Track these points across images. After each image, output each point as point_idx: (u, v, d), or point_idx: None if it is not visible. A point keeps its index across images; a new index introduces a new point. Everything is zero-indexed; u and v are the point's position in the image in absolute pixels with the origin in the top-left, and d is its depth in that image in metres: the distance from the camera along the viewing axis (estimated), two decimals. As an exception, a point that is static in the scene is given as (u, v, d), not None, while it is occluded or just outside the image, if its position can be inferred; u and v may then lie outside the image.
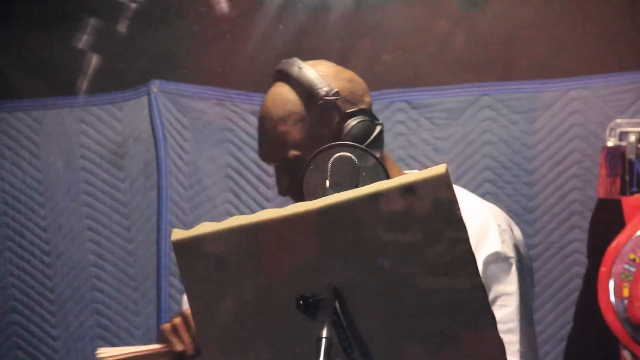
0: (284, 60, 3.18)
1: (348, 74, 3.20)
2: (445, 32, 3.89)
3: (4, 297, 4.08)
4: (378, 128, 3.08)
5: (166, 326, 2.87)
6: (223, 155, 3.73)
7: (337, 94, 3.10)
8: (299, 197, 2.99)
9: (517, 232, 3.02)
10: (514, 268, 2.81)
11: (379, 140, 3.14)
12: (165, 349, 2.89)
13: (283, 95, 3.17)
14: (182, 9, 4.06)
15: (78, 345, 4.03)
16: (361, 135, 3.11)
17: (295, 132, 3.16)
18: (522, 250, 2.96)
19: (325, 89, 3.10)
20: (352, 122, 3.10)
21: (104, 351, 2.97)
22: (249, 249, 2.57)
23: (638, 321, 3.32)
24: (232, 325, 2.58)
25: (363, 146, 2.78)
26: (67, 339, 4.05)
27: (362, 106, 3.14)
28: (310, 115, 3.15)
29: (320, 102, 3.11)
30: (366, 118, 3.12)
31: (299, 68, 3.13)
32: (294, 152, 3.12)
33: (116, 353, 2.96)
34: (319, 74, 3.12)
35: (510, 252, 2.70)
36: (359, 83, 3.21)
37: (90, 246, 4.07)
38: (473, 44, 3.88)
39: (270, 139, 3.16)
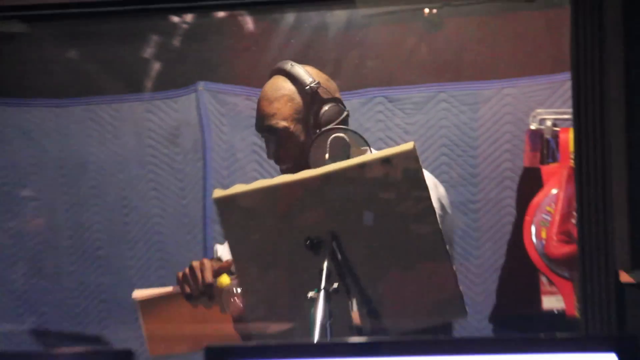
0: (280, 61, 3.18)
1: (326, 74, 3.20)
2: (413, 45, 3.90)
3: (91, 233, 4.11)
4: (345, 113, 3.08)
5: (179, 274, 2.85)
6: (250, 136, 3.75)
7: (318, 84, 3.08)
8: (281, 162, 3.15)
9: (441, 189, 3.06)
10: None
11: (345, 122, 3.11)
12: (177, 291, 2.87)
13: (279, 83, 3.16)
14: (220, 28, 4.06)
15: (147, 273, 4.04)
16: (334, 116, 3.10)
17: (285, 109, 3.13)
18: (444, 202, 3.00)
19: (310, 79, 3.08)
20: (327, 106, 3.09)
21: (138, 292, 3.00)
22: (270, 203, 2.59)
23: (552, 256, 3.34)
24: (258, 255, 2.62)
25: (349, 128, 2.78)
26: (140, 267, 4.06)
27: (336, 96, 3.13)
28: (298, 98, 3.12)
29: (307, 88, 3.08)
30: (338, 105, 3.09)
31: (291, 65, 3.13)
32: (283, 124, 3.09)
33: (146, 294, 2.95)
34: (306, 70, 3.10)
35: (434, 203, 2.68)
36: (333, 82, 3.22)
37: (154, 202, 4.09)
38: (432, 54, 3.90)
39: (267, 113, 3.13)
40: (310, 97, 3.12)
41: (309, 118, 3.11)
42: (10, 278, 4.14)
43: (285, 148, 3.12)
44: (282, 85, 3.16)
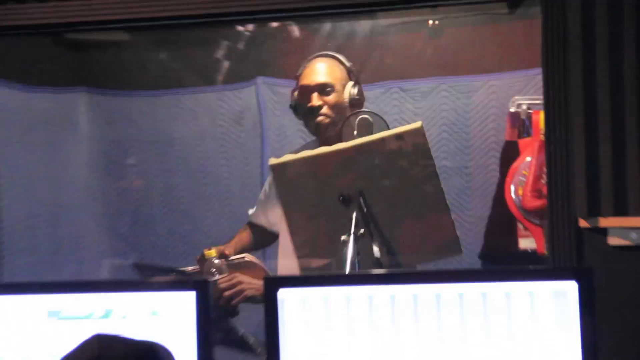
0: (324, 52, 3.14)
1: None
2: (420, 48, 3.90)
3: (177, 192, 4.18)
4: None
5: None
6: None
7: (352, 66, 3.03)
8: (322, 126, 3.02)
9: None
10: None
11: (363, 105, 3.07)
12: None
13: (325, 59, 3.05)
14: (273, 34, 4.08)
15: (219, 222, 4.09)
16: (358, 92, 3.04)
17: (336, 71, 3.03)
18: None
19: (347, 63, 3.02)
20: (354, 83, 3.02)
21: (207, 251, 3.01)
22: (312, 168, 2.59)
23: (526, 208, 3.34)
24: (303, 207, 2.60)
25: (373, 111, 2.77)
26: (213, 218, 4.08)
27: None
28: (342, 70, 3.04)
29: (345, 67, 3.02)
30: (361, 88, 3.07)
31: (334, 53, 3.10)
32: (330, 86, 2.99)
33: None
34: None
35: None
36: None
37: (224, 168, 4.11)
38: (435, 55, 3.89)
39: (320, 77, 3.02)
40: (348, 73, 3.04)
41: (342, 88, 3.02)
42: (117, 225, 4.20)
43: (330, 105, 3.01)
44: (329, 60, 3.07)
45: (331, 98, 2.98)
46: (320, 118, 2.99)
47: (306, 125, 3.10)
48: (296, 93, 3.08)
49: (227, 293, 2.83)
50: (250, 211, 3.32)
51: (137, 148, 4.31)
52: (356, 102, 3.02)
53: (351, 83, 3.02)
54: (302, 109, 3.05)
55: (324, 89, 2.99)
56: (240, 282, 2.85)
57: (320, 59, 3.06)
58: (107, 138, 4.26)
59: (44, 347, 2.09)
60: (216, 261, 2.87)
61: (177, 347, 2.04)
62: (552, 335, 2.00)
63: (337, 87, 3.01)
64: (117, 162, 4.31)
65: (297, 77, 3.10)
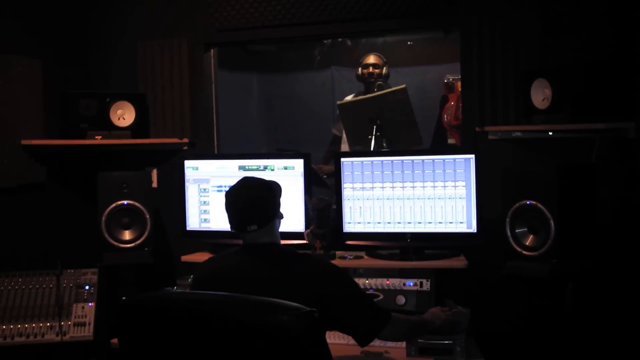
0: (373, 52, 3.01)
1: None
2: (404, 53, 3.63)
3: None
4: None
5: None
6: (353, 89, 3.40)
7: (383, 58, 2.97)
8: (370, 79, 2.87)
9: None
10: None
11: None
12: None
13: (375, 55, 2.99)
14: (337, 44, 3.70)
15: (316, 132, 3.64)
16: (387, 71, 2.95)
17: (377, 61, 2.98)
18: None
19: (383, 57, 2.96)
20: (385, 67, 2.95)
21: None
22: (356, 106, 2.46)
23: (452, 124, 3.08)
24: (355, 128, 2.41)
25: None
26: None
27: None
28: (380, 60, 2.99)
29: (382, 58, 2.99)
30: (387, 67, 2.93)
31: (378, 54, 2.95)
32: (377, 65, 2.94)
33: None
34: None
35: None
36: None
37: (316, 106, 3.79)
38: (413, 57, 3.62)
39: (372, 60, 2.97)
40: (383, 62, 2.99)
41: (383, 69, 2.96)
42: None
43: (375, 75, 2.93)
44: (375, 55, 3.01)
45: (377, 71, 2.98)
46: (370, 80, 2.95)
47: (364, 83, 2.99)
48: (360, 69, 3.02)
49: None
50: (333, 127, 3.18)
51: (277, 99, 3.90)
52: (385, 75, 2.99)
53: (385, 66, 3.00)
54: (362, 76, 3.00)
55: (374, 66, 2.98)
56: None
57: (372, 54, 3.04)
58: (264, 94, 3.92)
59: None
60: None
61: (294, 184, 2.06)
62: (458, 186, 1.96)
63: (380, 66, 2.99)
64: (267, 105, 3.88)
65: (360, 63, 3.02)
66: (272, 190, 1.46)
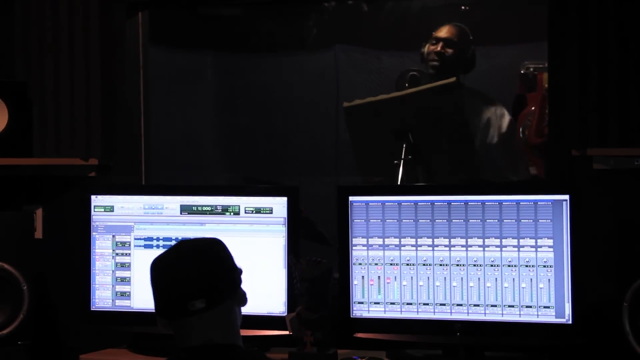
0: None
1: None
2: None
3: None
4: None
5: None
6: (365, 73, 3.57)
7: (467, 38, 3.00)
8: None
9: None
10: None
11: None
12: None
13: (459, 26, 3.01)
14: (349, 11, 3.82)
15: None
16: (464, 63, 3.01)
17: (458, 37, 2.96)
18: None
19: (466, 35, 3.00)
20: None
21: None
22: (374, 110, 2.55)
23: (531, 144, 3.24)
24: (372, 130, 2.56)
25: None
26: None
27: None
28: (463, 39, 2.99)
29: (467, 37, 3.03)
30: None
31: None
32: (459, 45, 2.92)
33: None
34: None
35: None
36: None
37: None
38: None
39: (449, 34, 2.96)
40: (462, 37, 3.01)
41: None
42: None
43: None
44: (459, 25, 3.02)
45: (450, 51, 2.92)
46: (434, 64, 2.92)
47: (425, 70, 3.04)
48: (426, 45, 2.99)
49: None
50: None
51: (246, 95, 3.91)
52: (463, 59, 2.94)
53: (466, 46, 2.96)
54: (424, 58, 2.99)
55: (447, 43, 2.91)
56: None
57: (449, 24, 3.00)
58: (226, 86, 4.02)
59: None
60: None
61: (271, 237, 2.05)
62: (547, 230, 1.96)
63: (454, 43, 2.92)
64: (230, 104, 3.95)
65: (424, 45, 3.02)
66: (215, 253, 1.41)
